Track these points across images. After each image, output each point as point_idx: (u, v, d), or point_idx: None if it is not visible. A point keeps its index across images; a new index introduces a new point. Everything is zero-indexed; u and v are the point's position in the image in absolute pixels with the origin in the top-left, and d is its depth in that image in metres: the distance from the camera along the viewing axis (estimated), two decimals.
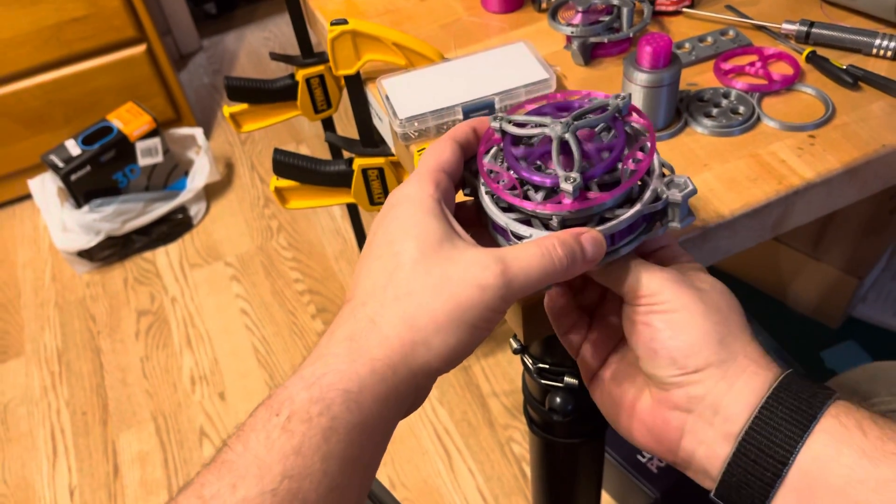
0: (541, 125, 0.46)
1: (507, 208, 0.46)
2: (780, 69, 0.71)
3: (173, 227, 1.86)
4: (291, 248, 1.82)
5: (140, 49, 1.85)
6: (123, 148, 1.75)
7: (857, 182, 0.64)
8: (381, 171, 0.83)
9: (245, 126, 0.99)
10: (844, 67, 0.69)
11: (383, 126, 0.76)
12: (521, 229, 0.44)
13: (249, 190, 1.97)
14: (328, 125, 1.04)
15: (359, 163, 0.83)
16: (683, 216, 0.45)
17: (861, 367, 0.74)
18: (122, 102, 1.82)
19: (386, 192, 0.86)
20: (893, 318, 1.17)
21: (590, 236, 0.42)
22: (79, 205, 1.74)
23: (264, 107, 0.98)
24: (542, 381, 0.75)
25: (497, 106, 0.69)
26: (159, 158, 1.81)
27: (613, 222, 0.43)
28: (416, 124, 0.69)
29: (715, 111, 0.68)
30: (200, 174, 1.85)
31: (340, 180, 0.85)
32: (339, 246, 1.79)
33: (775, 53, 0.72)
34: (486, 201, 0.46)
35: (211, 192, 1.96)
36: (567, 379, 0.73)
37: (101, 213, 1.72)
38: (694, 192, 0.44)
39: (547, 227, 0.44)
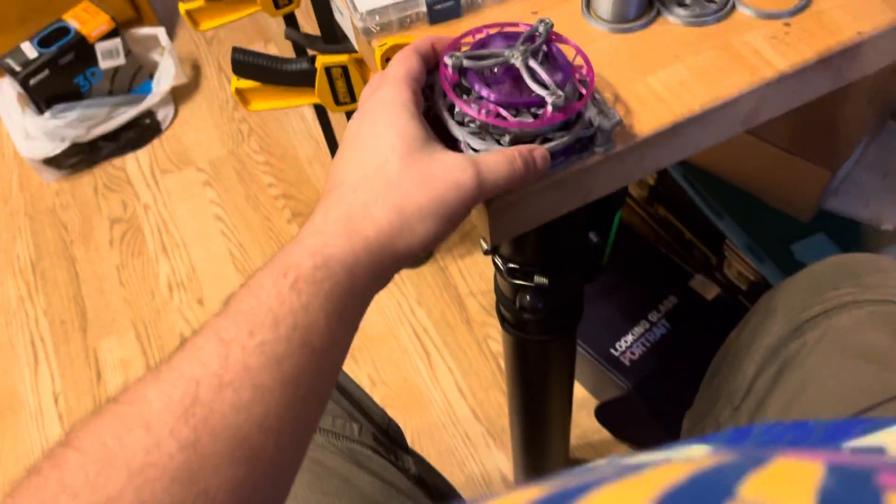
0: (496, 56, 0.53)
1: (461, 122, 0.52)
2: None
3: (141, 132, 1.81)
4: (263, 151, 1.78)
5: None
6: (82, 50, 1.68)
7: (830, 72, 0.62)
8: (344, 69, 0.80)
9: (203, 23, 0.94)
10: None
11: (344, 21, 0.73)
12: (476, 142, 0.51)
13: (218, 92, 1.91)
14: (291, 21, 1.00)
15: (322, 60, 0.80)
16: (607, 141, 0.54)
17: (827, 259, 0.74)
18: (79, 2, 1.73)
19: (351, 92, 0.83)
20: (864, 210, 1.18)
21: (541, 152, 0.50)
22: (41, 111, 1.68)
23: (223, 3, 0.93)
24: (513, 281, 0.75)
25: None
26: (121, 60, 1.74)
27: (554, 142, 0.51)
28: (377, 17, 0.66)
29: (688, 0, 0.65)
30: (166, 77, 1.79)
31: (304, 79, 0.82)
32: (312, 149, 1.76)
33: None
34: (446, 115, 0.52)
35: (178, 96, 1.90)
36: (537, 278, 0.74)
37: (64, 118, 1.67)
38: (620, 122, 0.53)
39: (498, 142, 0.51)
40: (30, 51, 1.63)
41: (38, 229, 1.69)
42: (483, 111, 0.51)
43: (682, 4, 0.65)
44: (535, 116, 0.52)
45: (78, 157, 1.75)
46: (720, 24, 0.64)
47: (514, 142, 0.52)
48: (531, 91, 0.52)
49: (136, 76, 1.80)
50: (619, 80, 0.61)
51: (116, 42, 1.72)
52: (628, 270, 1.32)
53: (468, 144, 0.52)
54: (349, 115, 0.89)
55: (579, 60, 0.57)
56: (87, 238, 1.66)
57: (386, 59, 0.63)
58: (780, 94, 0.61)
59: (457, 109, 0.52)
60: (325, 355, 0.40)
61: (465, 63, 0.52)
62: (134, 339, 1.50)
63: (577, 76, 0.55)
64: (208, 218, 1.66)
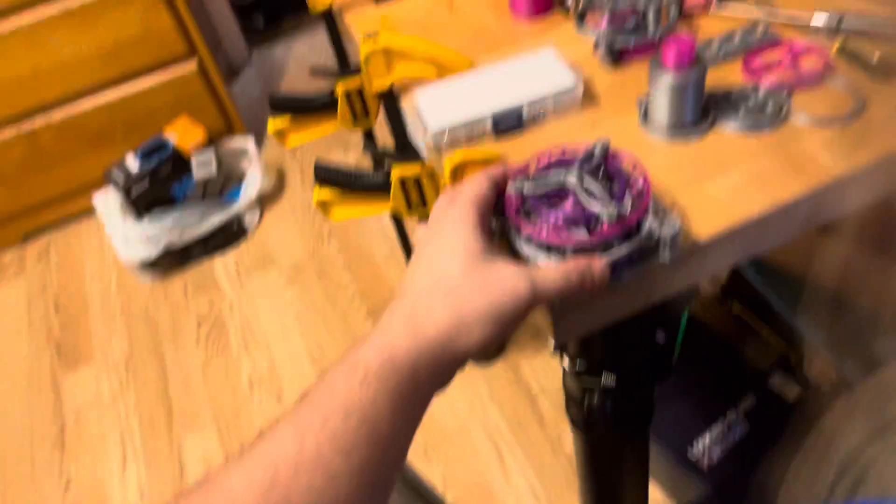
0: (554, 179, 0.57)
1: (527, 239, 0.56)
2: (809, 64, 0.71)
3: (229, 235, 1.92)
4: (342, 252, 1.86)
5: (192, 65, 1.92)
6: (179, 161, 1.82)
7: (888, 176, 0.63)
8: (417, 179, 0.86)
9: (290, 141, 1.02)
10: (876, 59, 0.68)
11: (417, 137, 0.78)
12: (540, 258, 0.55)
13: (301, 197, 2.03)
14: (368, 133, 1.07)
15: (396, 172, 0.85)
16: (672, 250, 0.56)
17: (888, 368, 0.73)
18: (177, 116, 1.89)
19: (423, 200, 0.88)
20: None
21: (599, 266, 0.53)
22: (139, 217, 1.81)
23: (307, 120, 1.01)
24: (580, 381, 0.77)
25: (525, 114, 0.71)
26: (213, 170, 1.87)
27: (614, 253, 0.54)
28: (446, 135, 0.71)
29: (743, 109, 0.68)
30: (253, 183, 1.91)
31: (380, 190, 0.88)
32: (387, 250, 1.82)
33: (804, 48, 0.72)
34: (513, 233, 0.57)
35: (264, 200, 2.02)
36: (605, 378, 0.75)
37: (160, 225, 1.79)
38: (680, 230, 0.55)
39: (562, 256, 0.55)
40: (132, 164, 1.78)
41: (132, 328, 1.79)
42: (544, 231, 0.55)
43: (736, 114, 0.67)
44: (592, 230, 0.56)
45: (171, 260, 1.86)
46: (775, 131, 0.66)
47: (575, 255, 0.55)
48: (587, 208, 0.55)
49: (226, 183, 1.93)
50: (678, 187, 0.63)
51: (209, 154, 1.85)
52: (704, 368, 1.30)
53: (533, 260, 0.55)
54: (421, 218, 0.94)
55: (637, 170, 0.60)
56: (176, 336, 1.75)
57: (454, 172, 0.68)
58: (838, 197, 0.63)
59: (522, 231, 0.56)
60: (390, 447, 0.44)
61: (526, 189, 0.56)
62: (216, 435, 1.55)
63: (635, 188, 0.58)
64: (289, 317, 1.73)
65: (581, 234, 0.55)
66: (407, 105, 0.78)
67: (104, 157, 1.91)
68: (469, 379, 1.53)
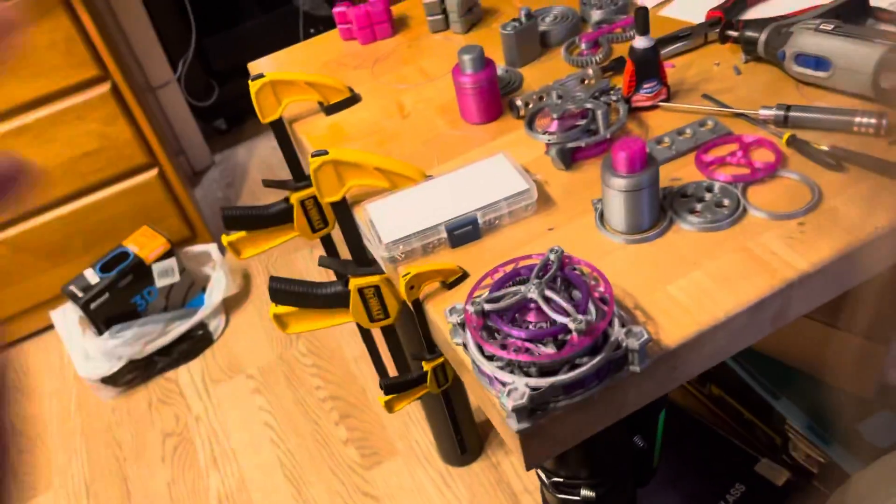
0: (513, 294, 0.56)
1: (490, 357, 0.54)
2: (761, 156, 0.70)
3: (194, 343, 1.87)
4: (311, 354, 1.81)
5: (152, 174, 1.90)
6: (140, 271, 1.78)
7: (853, 267, 0.62)
8: (377, 288, 0.83)
9: (245, 252, 1.00)
10: (826, 149, 0.68)
11: (372, 248, 0.76)
12: (505, 376, 0.53)
13: (267, 299, 1.98)
14: (327, 241, 1.05)
15: (354, 283, 0.83)
16: (642, 360, 0.54)
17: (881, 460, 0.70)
18: (138, 226, 1.86)
19: (384, 309, 0.85)
20: None
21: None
22: (100, 332, 1.76)
23: (263, 232, 0.99)
24: (559, 496, 0.72)
25: (480, 221, 0.69)
26: (176, 278, 1.83)
27: (583, 368, 0.51)
28: (400, 247, 0.69)
29: (699, 206, 0.67)
30: (217, 289, 1.87)
31: (339, 301, 0.85)
32: (358, 348, 1.78)
33: (755, 140, 0.72)
34: (474, 352, 0.55)
35: (229, 305, 1.97)
36: (584, 492, 0.71)
37: (121, 338, 1.74)
38: (649, 340, 0.53)
39: (527, 373, 0.52)
40: (92, 277, 1.74)
41: (92, 449, 1.71)
42: (513, 349, 0.52)
43: (693, 211, 0.66)
44: (563, 344, 0.53)
45: (133, 374, 1.80)
46: (734, 227, 0.65)
47: (541, 372, 0.52)
48: (553, 320, 0.53)
49: (189, 290, 1.89)
50: (640, 291, 0.61)
51: (172, 262, 1.82)
52: (689, 458, 1.25)
53: (496, 379, 0.53)
54: (385, 329, 0.91)
55: (595, 275, 0.58)
56: (140, 455, 1.67)
57: (410, 287, 0.65)
58: (805, 293, 0.61)
59: (485, 350, 0.54)
60: None
61: (487, 307, 0.54)
62: None
63: (597, 294, 0.57)
64: (258, 426, 1.67)
65: (549, 351, 0.53)
66: (360, 216, 0.76)
67: (63, 272, 1.86)
68: (447, 483, 1.47)
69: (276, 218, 0.98)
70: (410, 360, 0.85)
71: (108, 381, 1.78)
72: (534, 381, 0.51)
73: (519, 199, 0.70)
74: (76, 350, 1.74)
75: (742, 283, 0.60)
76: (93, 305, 1.72)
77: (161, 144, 1.89)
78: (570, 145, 0.74)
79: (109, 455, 1.70)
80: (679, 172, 0.71)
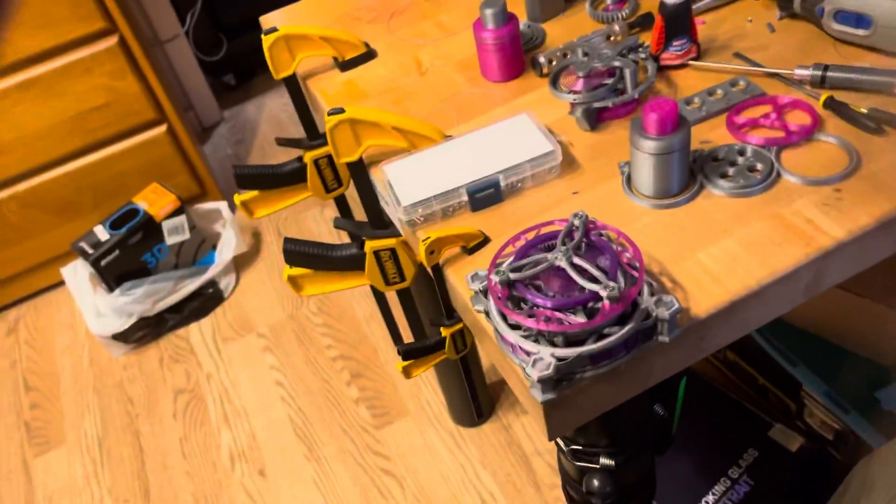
0: (539, 262, 0.54)
1: (515, 326, 0.52)
2: (797, 119, 0.68)
3: (204, 301, 1.86)
4: (322, 313, 1.80)
5: (161, 129, 1.87)
6: (150, 228, 1.76)
7: (891, 236, 0.60)
8: (393, 251, 0.81)
9: (258, 212, 0.98)
10: (866, 111, 0.65)
11: (390, 210, 0.74)
12: (530, 346, 0.51)
13: (278, 258, 1.97)
14: (342, 203, 1.03)
15: (370, 245, 0.81)
16: (671, 330, 0.52)
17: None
18: (148, 183, 1.84)
19: (400, 272, 0.84)
20: None
21: None
22: (111, 289, 1.75)
23: (276, 191, 0.97)
24: (577, 463, 0.72)
25: (502, 184, 0.67)
26: (186, 236, 1.82)
27: (611, 338, 0.50)
28: (419, 210, 0.67)
29: (731, 170, 0.64)
30: (228, 247, 1.86)
31: (354, 264, 0.84)
32: (370, 308, 1.77)
33: (790, 102, 0.69)
34: (498, 321, 0.53)
35: (240, 264, 1.96)
36: (603, 460, 0.70)
37: (132, 295, 1.73)
38: (680, 310, 0.51)
39: (552, 343, 0.50)
40: (102, 233, 1.72)
41: (105, 405, 1.72)
42: (541, 319, 0.50)
43: (725, 176, 0.64)
44: (592, 312, 0.51)
45: (144, 331, 1.79)
46: (767, 193, 0.62)
47: (567, 342, 0.50)
48: (583, 288, 0.51)
49: (200, 248, 1.87)
50: (669, 259, 0.59)
51: (182, 219, 1.80)
52: (702, 423, 1.25)
53: (521, 348, 0.51)
54: (400, 293, 0.90)
55: (621, 240, 0.56)
56: (152, 411, 1.68)
57: (430, 252, 0.63)
58: (840, 262, 0.59)
59: (510, 319, 0.52)
60: None
61: (512, 276, 0.52)
62: None
63: (625, 260, 0.55)
64: (269, 384, 1.67)
65: (580, 320, 0.51)
66: (377, 178, 0.74)
67: (73, 228, 1.85)
68: (458, 443, 1.47)
69: (289, 177, 0.96)
70: (427, 325, 0.84)
71: (119, 337, 1.78)
72: (560, 352, 0.50)
73: (543, 162, 0.67)
74: (87, 307, 1.74)
75: (775, 251, 0.58)
76: (103, 262, 1.71)
77: (170, 100, 1.86)
78: (597, 105, 0.71)
79: (121, 411, 1.71)
80: (710, 135, 0.69)
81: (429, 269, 0.66)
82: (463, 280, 0.59)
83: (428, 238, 0.62)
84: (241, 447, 1.57)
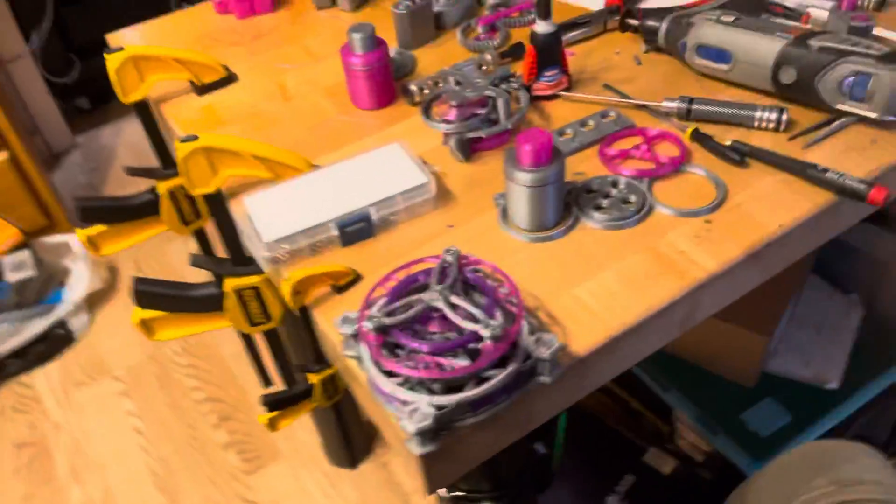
0: (414, 304, 0.50)
1: (390, 373, 0.48)
2: (666, 150, 0.68)
3: (52, 344, 1.70)
4: (186, 353, 1.69)
5: (1, 157, 1.71)
6: None
7: (759, 266, 0.61)
8: (256, 290, 0.75)
9: (105, 248, 0.89)
10: (729, 144, 0.66)
11: (252, 246, 0.68)
12: (406, 395, 0.47)
13: None
14: (201, 236, 0.96)
15: (231, 284, 0.75)
16: (552, 370, 0.50)
17: (798, 448, 0.70)
18: None
19: (265, 312, 0.78)
20: (805, 369, 1.17)
21: None
22: None
23: (127, 224, 0.89)
24: None
25: (374, 217, 0.63)
26: (31, 272, 1.66)
27: (493, 381, 0.47)
28: (284, 246, 0.62)
29: (605, 202, 0.63)
30: (79, 283, 1.71)
31: (213, 304, 0.77)
32: (237, 346, 1.67)
33: (659, 133, 0.69)
34: (371, 369, 0.49)
35: (94, 301, 1.81)
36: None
37: None
38: (561, 348, 0.50)
39: (430, 390, 0.47)
40: None
41: None
42: (421, 365, 0.47)
43: (599, 208, 0.63)
44: (473, 354, 0.48)
45: None
46: (641, 225, 0.62)
47: (445, 388, 0.47)
48: (461, 329, 0.48)
49: (46, 285, 1.71)
50: (546, 294, 0.57)
51: (25, 254, 1.64)
52: (581, 452, 1.25)
53: (396, 398, 0.47)
54: (267, 334, 0.83)
55: (497, 275, 0.54)
56: None
57: (296, 293, 0.58)
58: (713, 294, 0.59)
59: (383, 367, 0.48)
60: None
61: (387, 321, 0.48)
62: None
63: (502, 296, 0.52)
64: (126, 432, 1.53)
65: (463, 363, 0.47)
66: (238, 211, 0.68)
67: None
68: (334, 485, 1.41)
69: (141, 210, 0.87)
70: (295, 371, 0.78)
71: None
72: (439, 399, 0.46)
73: (416, 194, 0.64)
74: None
75: (651, 284, 0.57)
76: None
77: (11, 124, 1.70)
78: (470, 135, 0.69)
79: None
80: (582, 166, 0.68)
81: (295, 312, 0.61)
82: (332, 323, 0.55)
83: (292, 278, 0.57)
84: None
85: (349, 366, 0.54)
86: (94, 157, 2.25)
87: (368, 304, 0.51)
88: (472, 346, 0.48)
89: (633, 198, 0.63)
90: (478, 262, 0.55)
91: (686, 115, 0.70)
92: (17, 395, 1.65)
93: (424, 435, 0.46)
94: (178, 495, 1.42)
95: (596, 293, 0.57)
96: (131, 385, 1.64)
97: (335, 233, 0.63)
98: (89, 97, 2.38)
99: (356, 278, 0.60)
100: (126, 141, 2.27)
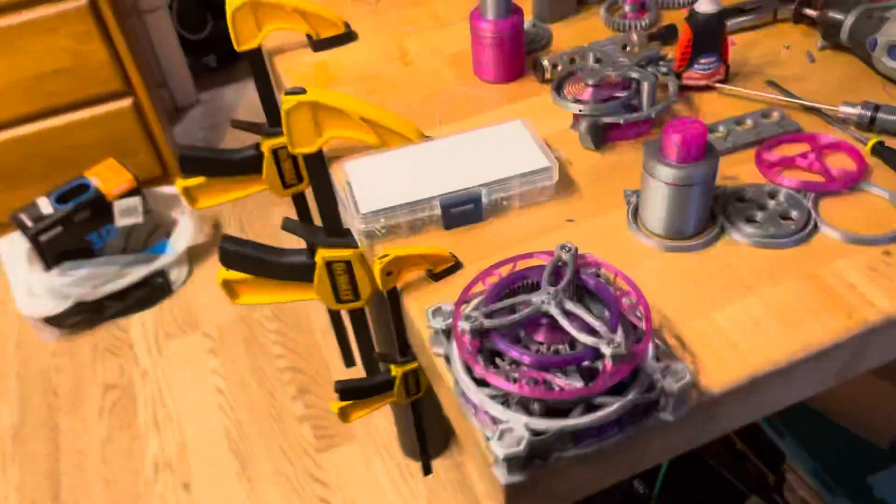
0: (522, 306, 0.43)
1: (482, 381, 0.40)
2: (839, 163, 0.57)
3: (151, 292, 1.72)
4: (276, 319, 1.67)
5: (126, 103, 1.74)
6: (100, 207, 1.62)
7: None
8: (348, 264, 0.69)
9: (201, 201, 0.85)
10: None
11: (348, 217, 0.62)
12: (498, 411, 0.39)
13: None
14: (300, 201, 0.91)
15: (322, 255, 0.69)
16: (678, 407, 0.41)
17: None
18: (104, 158, 1.70)
19: (355, 290, 0.72)
20: None
21: None
22: (48, 267, 1.61)
23: (225, 180, 0.85)
24: None
25: (484, 200, 0.56)
26: (139, 219, 1.68)
27: (606, 411, 0.39)
28: (381, 220, 0.56)
29: (760, 215, 0.53)
30: (183, 236, 1.73)
31: (301, 274, 0.72)
32: (328, 321, 1.64)
33: (833, 143, 0.58)
34: (461, 374, 0.42)
35: (194, 256, 1.83)
36: None
37: (71, 276, 1.59)
38: (692, 382, 0.41)
39: (527, 409, 0.39)
40: (45, 206, 1.58)
41: (26, 394, 1.57)
42: (523, 380, 0.39)
43: (751, 220, 0.53)
44: (584, 373, 0.40)
45: (81, 317, 1.65)
46: (801, 246, 0.52)
47: (547, 412, 0.39)
48: (573, 341, 0.40)
49: (152, 234, 1.74)
50: (677, 314, 0.48)
51: (136, 200, 1.67)
52: (675, 488, 1.14)
53: (486, 412, 0.39)
54: (353, 313, 0.78)
55: (620, 282, 0.45)
56: (76, 405, 1.53)
57: (388, 273, 0.52)
58: (884, 341, 0.48)
59: (476, 373, 0.40)
60: None
61: (487, 324, 0.40)
62: None
63: (625, 308, 0.43)
64: (208, 390, 1.53)
65: (575, 383, 0.39)
66: (338, 176, 0.62)
67: (15, 197, 1.70)
68: (405, 478, 1.35)
69: (241, 165, 0.83)
70: (378, 359, 0.72)
71: (52, 321, 1.64)
72: (537, 423, 0.38)
73: (535, 179, 0.56)
74: (20, 284, 1.60)
75: (809, 319, 0.47)
76: (43, 238, 1.57)
77: (140, 73, 1.73)
78: (606, 120, 0.60)
79: (43, 402, 1.56)
80: (735, 170, 0.58)
81: (384, 293, 0.54)
82: (423, 313, 0.48)
83: (386, 256, 0.50)
84: (167, 456, 1.44)
85: (435, 363, 0.47)
86: (215, 114, 2.29)
87: (465, 299, 0.43)
88: (586, 363, 0.40)
89: (794, 213, 0.53)
90: (598, 263, 0.46)
91: (868, 125, 0.59)
92: (112, 337, 1.68)
93: (514, 462, 0.38)
94: (249, 460, 1.40)
95: (738, 321, 0.47)
96: (219, 343, 1.64)
97: (438, 212, 0.56)
98: (217, 55, 2.42)
99: (455, 266, 0.53)
100: (247, 102, 2.29)
